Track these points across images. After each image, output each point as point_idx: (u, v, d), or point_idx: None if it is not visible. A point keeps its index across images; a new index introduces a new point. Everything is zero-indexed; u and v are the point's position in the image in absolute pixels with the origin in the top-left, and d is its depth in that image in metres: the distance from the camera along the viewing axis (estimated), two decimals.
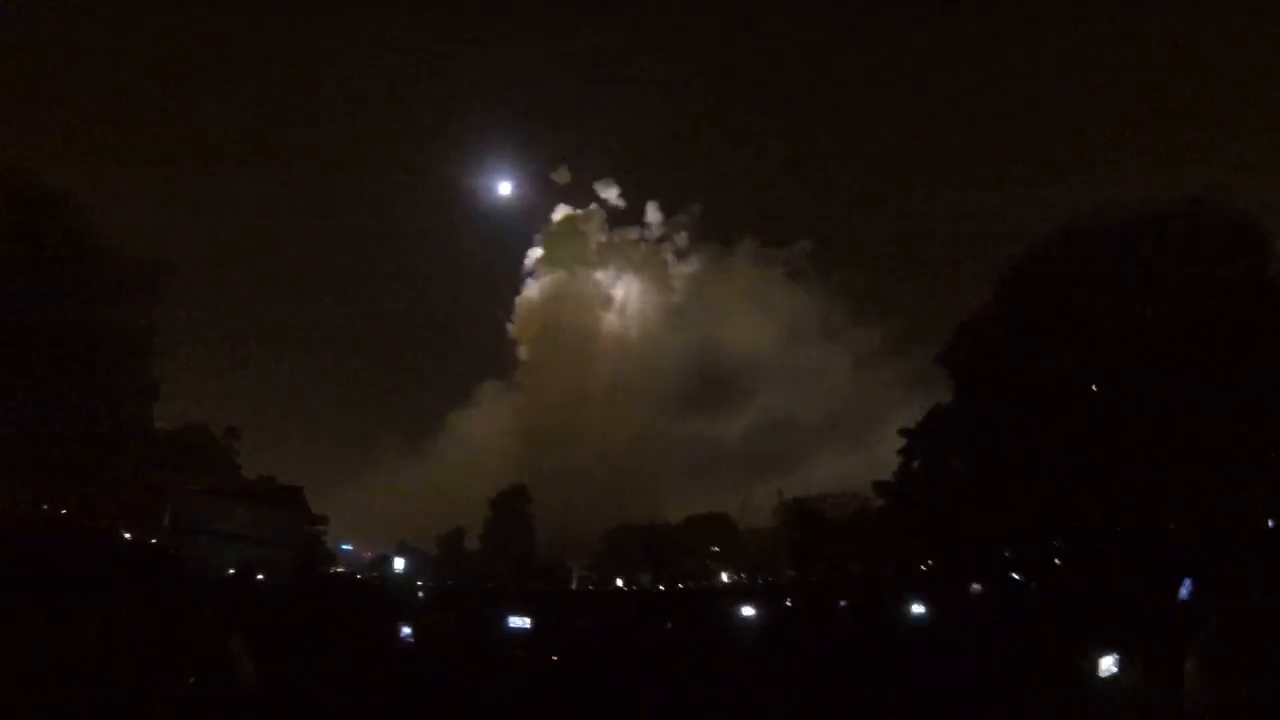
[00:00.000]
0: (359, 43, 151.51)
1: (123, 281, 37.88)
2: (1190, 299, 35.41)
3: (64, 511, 36.75)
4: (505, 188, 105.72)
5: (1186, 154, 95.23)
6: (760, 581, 63.53)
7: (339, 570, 58.52)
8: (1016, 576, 41.00)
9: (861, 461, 68.52)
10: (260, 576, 39.93)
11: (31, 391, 32.65)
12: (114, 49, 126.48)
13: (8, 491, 34.58)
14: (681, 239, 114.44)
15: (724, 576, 72.99)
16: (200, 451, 54.11)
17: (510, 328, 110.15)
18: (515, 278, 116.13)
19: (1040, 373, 38.24)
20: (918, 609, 40.21)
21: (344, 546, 68.92)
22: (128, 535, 38.25)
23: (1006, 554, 40.90)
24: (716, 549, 77.87)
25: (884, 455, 51.75)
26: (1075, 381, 37.61)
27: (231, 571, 39.79)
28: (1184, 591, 17.68)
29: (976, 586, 43.71)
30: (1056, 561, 40.13)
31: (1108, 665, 12.48)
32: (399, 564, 62.68)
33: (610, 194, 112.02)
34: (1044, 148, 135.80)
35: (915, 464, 47.85)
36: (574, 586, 74.53)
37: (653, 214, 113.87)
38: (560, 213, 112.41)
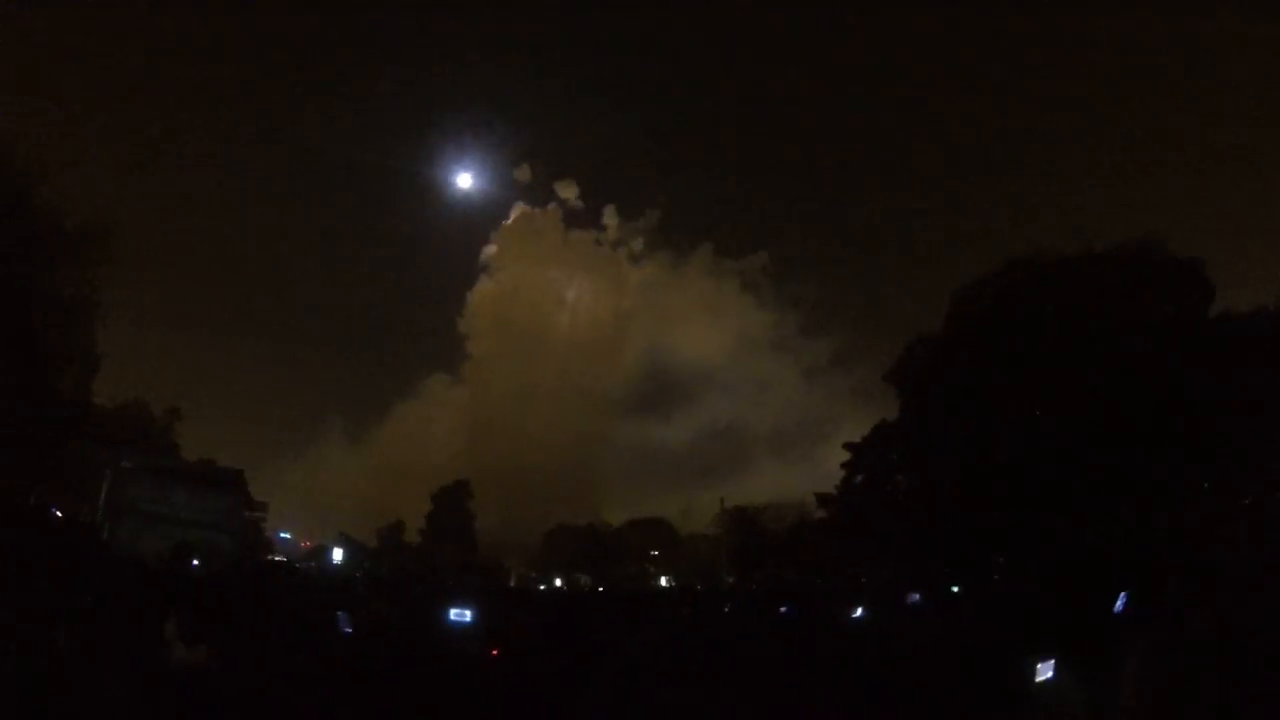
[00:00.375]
0: (326, 26, 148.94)
1: (65, 243, 36.51)
2: (1129, 334, 37.20)
3: None
4: (465, 181, 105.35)
5: (1136, 191, 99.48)
6: (699, 587, 64.14)
7: (278, 558, 57.66)
8: (955, 589, 42.40)
9: (804, 473, 70.48)
10: (196, 562, 39.11)
11: None
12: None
13: None
14: (638, 244, 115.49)
15: (663, 581, 73.40)
16: (139, 429, 52.82)
17: (460, 322, 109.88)
18: (469, 273, 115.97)
19: (984, 396, 39.71)
20: (857, 614, 41.24)
21: (282, 535, 68.01)
22: (58, 514, 37.15)
23: (945, 568, 42.15)
24: (656, 553, 78.90)
25: (827, 468, 53.14)
26: (1016, 407, 39.12)
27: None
28: (1119, 604, 18.62)
29: (915, 597, 45.01)
30: (994, 576, 41.61)
31: (1044, 671, 13.17)
32: (337, 554, 62.10)
33: (570, 194, 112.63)
34: (996, 178, 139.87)
35: (859, 478, 49.09)
36: (513, 584, 74.24)
37: (610, 217, 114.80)
38: (518, 210, 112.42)
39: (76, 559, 31.72)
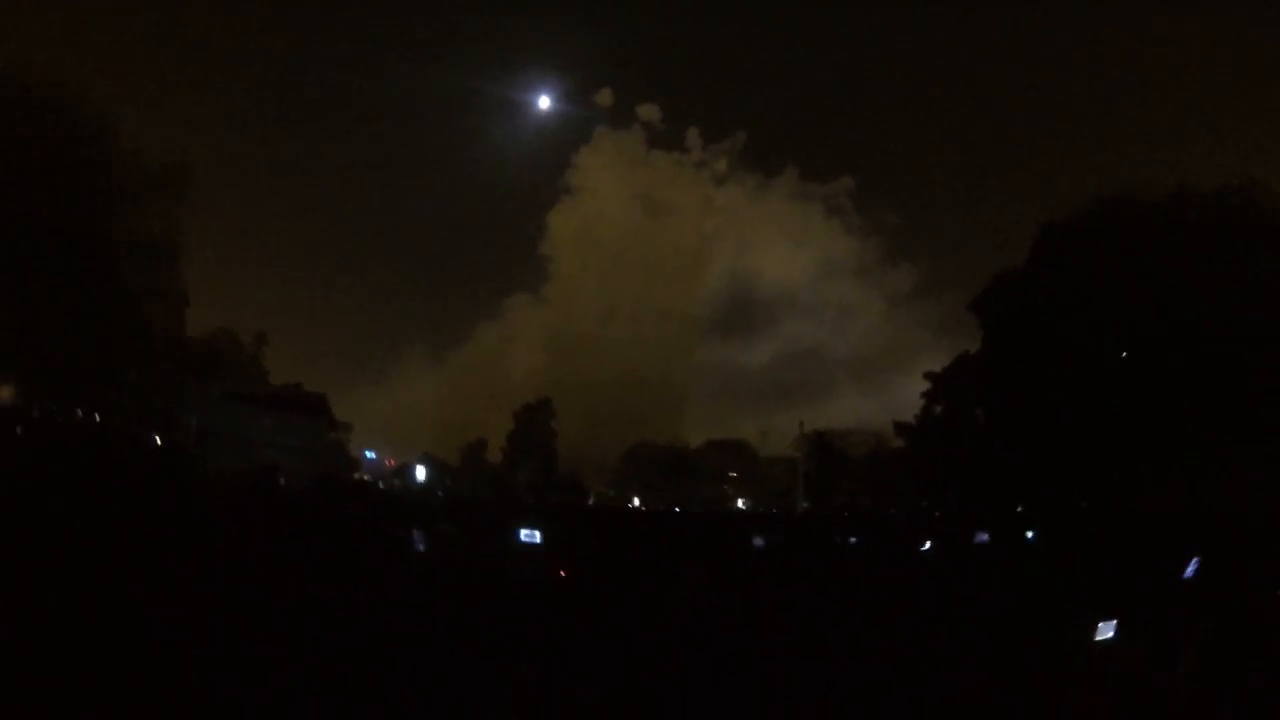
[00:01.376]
0: None
1: (149, 184, 37.71)
2: (1217, 281, 34.67)
3: (96, 417, 37.51)
4: (544, 102, 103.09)
5: (1228, 138, 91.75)
6: (775, 511, 64.19)
7: (362, 477, 59.91)
8: (1029, 534, 41.49)
9: (884, 401, 68.89)
10: (282, 481, 40.93)
11: (59, 295, 32.87)
12: None
13: (37, 396, 35.36)
14: (721, 165, 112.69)
15: (740, 503, 73.53)
16: (228, 357, 55.10)
17: (542, 243, 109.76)
18: (551, 195, 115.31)
19: (1069, 332, 37.80)
20: (925, 548, 40.70)
21: (368, 454, 70.21)
22: (158, 440, 39.18)
23: (1017, 509, 41.01)
24: (734, 475, 79.33)
25: (906, 397, 52.09)
26: (1101, 345, 37.15)
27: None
28: (1190, 569, 17.56)
29: (983, 537, 44.18)
30: (1067, 523, 40.43)
31: (1105, 630, 12.51)
32: (420, 472, 63.81)
33: (652, 116, 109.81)
34: (1088, 114, 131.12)
35: (938, 408, 47.92)
36: (590, 502, 75.47)
37: (693, 139, 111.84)
38: (599, 132, 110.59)
39: (174, 480, 33.79)
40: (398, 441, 77.73)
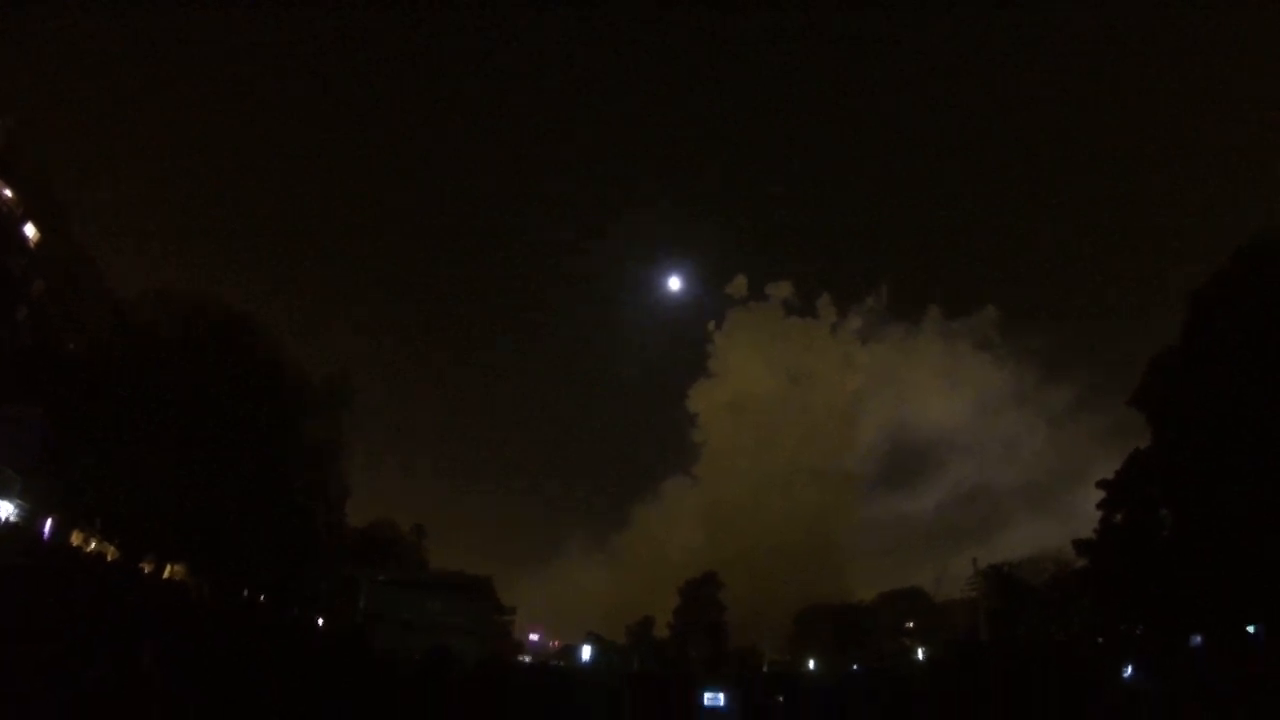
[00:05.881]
0: (550, 143, 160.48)
1: (313, 396, 40.38)
2: None
3: (262, 599, 38.38)
4: (674, 284, 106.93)
5: None
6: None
7: (525, 659, 58.30)
8: (1250, 629, 34.77)
9: (1059, 523, 65.83)
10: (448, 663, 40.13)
11: (238, 498, 34.59)
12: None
13: (211, 584, 36.66)
14: (858, 324, 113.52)
15: (920, 653, 67.44)
16: (389, 547, 56.18)
17: (688, 424, 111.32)
18: (691, 374, 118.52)
19: (1244, 403, 33.13)
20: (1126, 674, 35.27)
21: (532, 636, 70.49)
22: (320, 622, 39.52)
23: (1232, 603, 34.65)
24: (911, 624, 74.14)
25: (1083, 514, 47.43)
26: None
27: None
28: None
29: (1197, 640, 37.86)
30: None
31: None
32: (586, 652, 62.14)
33: (784, 293, 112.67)
34: (1208, 175, 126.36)
35: (1118, 517, 42.66)
36: (765, 669, 70.98)
37: (825, 306, 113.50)
38: (734, 311, 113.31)
39: (341, 660, 33.73)
40: (562, 624, 78.11)
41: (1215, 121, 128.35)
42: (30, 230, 38.70)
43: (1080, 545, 45.75)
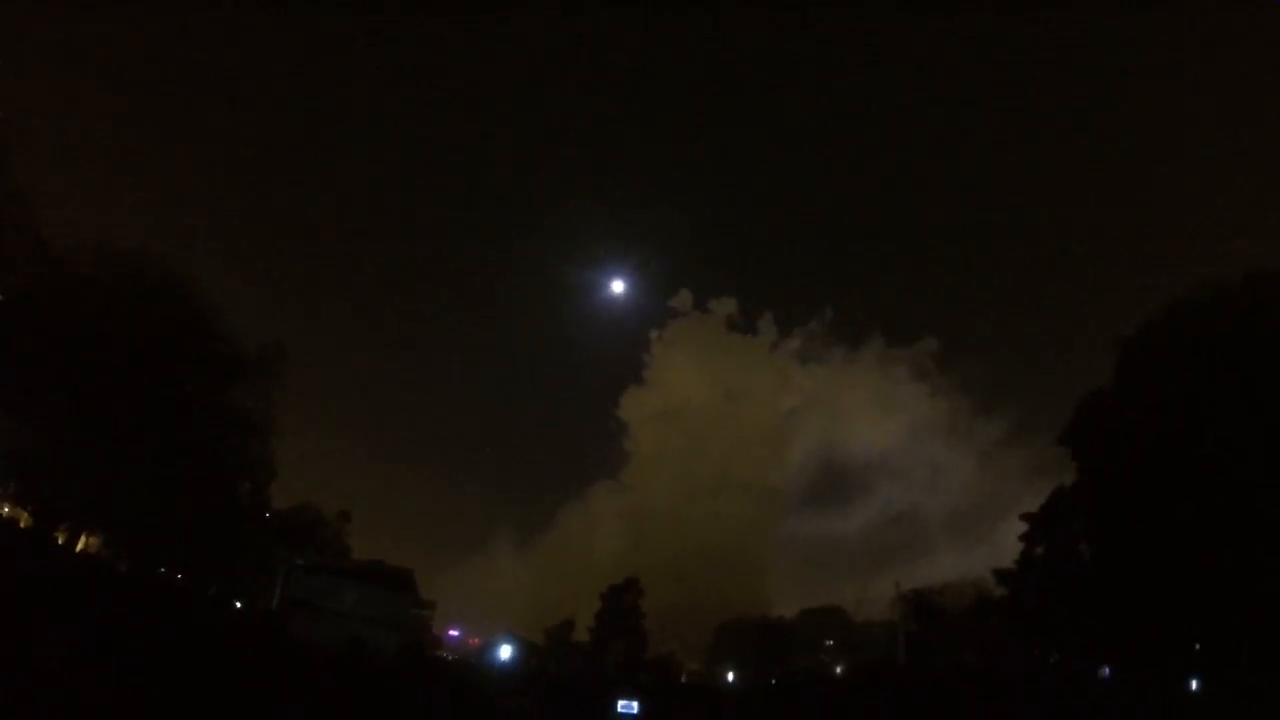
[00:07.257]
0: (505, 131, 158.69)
1: (244, 365, 39.07)
2: None
3: (179, 577, 37.26)
4: (618, 287, 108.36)
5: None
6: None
7: (444, 655, 57.67)
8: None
9: (983, 554, 67.97)
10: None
11: (155, 466, 33.38)
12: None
13: (130, 558, 35.40)
14: (796, 345, 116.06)
15: (838, 670, 69.07)
16: (312, 531, 54.95)
17: (619, 429, 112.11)
18: (626, 379, 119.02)
19: (1166, 447, 34.91)
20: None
21: (451, 632, 69.60)
22: (238, 604, 38.53)
23: (1141, 637, 36.48)
24: (830, 643, 75.77)
25: (1005, 545, 49.49)
26: (1202, 456, 33.95)
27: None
28: None
29: (1106, 671, 39.75)
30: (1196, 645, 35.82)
31: None
32: (504, 651, 61.66)
33: (729, 309, 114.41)
34: (1147, 227, 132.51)
35: (1038, 549, 44.53)
36: (684, 679, 71.55)
37: (766, 325, 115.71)
38: (675, 322, 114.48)
39: (256, 646, 32.85)
40: (482, 621, 77.32)
41: (1154, 171, 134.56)
42: None
43: (1000, 575, 47.45)
